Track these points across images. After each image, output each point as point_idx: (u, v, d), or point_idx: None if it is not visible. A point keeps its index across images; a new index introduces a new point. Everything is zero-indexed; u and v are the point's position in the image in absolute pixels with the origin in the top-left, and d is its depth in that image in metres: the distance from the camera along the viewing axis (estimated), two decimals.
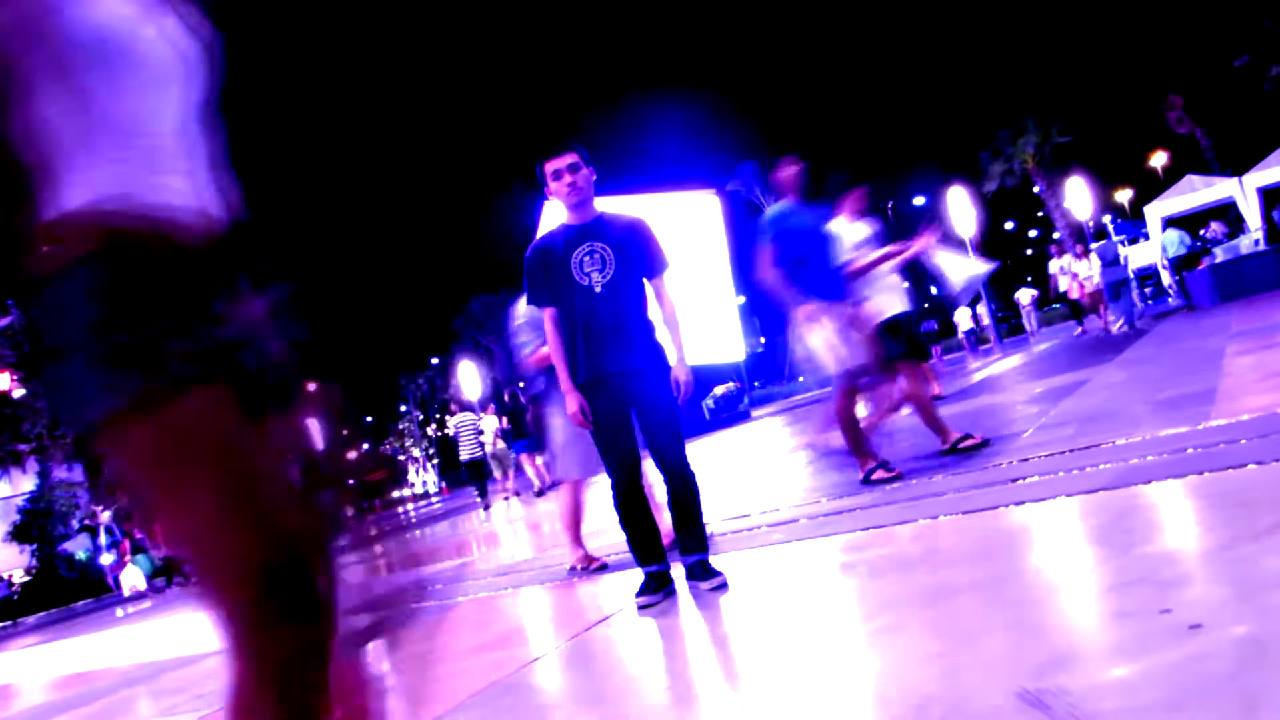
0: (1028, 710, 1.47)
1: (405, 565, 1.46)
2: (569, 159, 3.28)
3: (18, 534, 23.21)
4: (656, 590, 3.21)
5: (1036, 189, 36.28)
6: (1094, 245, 16.40)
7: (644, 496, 3.31)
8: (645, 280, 3.37)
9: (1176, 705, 1.36)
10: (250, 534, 1.13)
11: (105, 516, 21.29)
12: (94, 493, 23.89)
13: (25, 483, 24.50)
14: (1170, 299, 19.90)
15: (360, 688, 1.37)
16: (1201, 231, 17.63)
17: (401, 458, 58.62)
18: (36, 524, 23.14)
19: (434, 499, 42.88)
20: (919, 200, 37.81)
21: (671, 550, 3.50)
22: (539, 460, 14.08)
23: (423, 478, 57.11)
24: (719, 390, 26.62)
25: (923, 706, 1.65)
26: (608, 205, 3.44)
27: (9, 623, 19.38)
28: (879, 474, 4.45)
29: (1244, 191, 17.91)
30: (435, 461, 55.27)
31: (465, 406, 16.60)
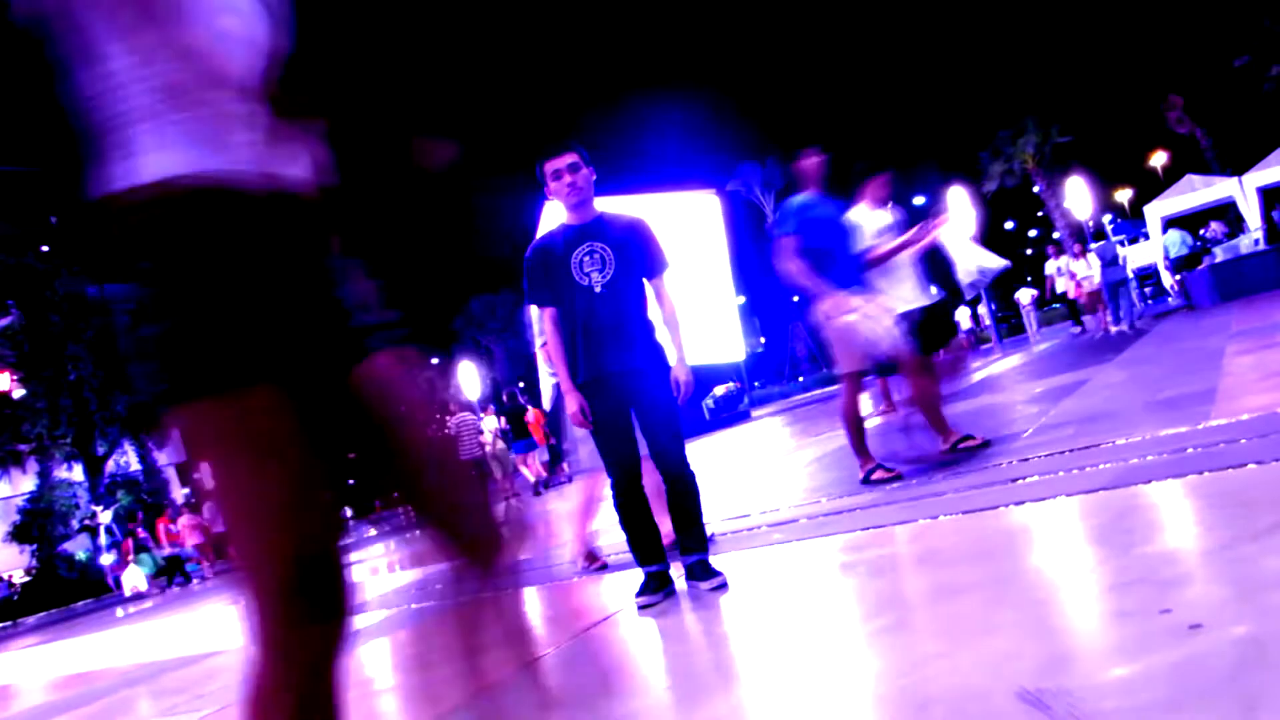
0: (1028, 710, 1.47)
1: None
2: (569, 159, 3.28)
3: (18, 534, 23.22)
4: (656, 590, 3.21)
5: (1036, 189, 36.28)
6: (1093, 246, 16.40)
7: (643, 497, 3.31)
8: (645, 280, 3.37)
9: (1176, 705, 1.36)
10: (286, 535, 1.14)
11: (105, 517, 21.31)
12: (94, 493, 23.91)
13: (25, 483, 24.51)
14: (1170, 299, 19.90)
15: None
16: (1201, 231, 17.63)
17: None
18: (36, 524, 23.15)
19: None
20: (919, 200, 37.78)
21: (671, 550, 3.50)
22: (536, 461, 14.16)
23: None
24: (719, 390, 26.62)
25: (923, 706, 1.65)
26: (608, 205, 3.44)
27: (9, 623, 19.39)
28: (879, 474, 4.45)
29: (1244, 191, 17.91)
30: None
31: (464, 406, 16.64)
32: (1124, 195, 38.02)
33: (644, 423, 3.28)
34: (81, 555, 22.89)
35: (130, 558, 17.63)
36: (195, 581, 16.41)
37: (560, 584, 4.27)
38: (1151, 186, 28.47)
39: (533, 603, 4.08)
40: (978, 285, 5.34)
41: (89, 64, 1.15)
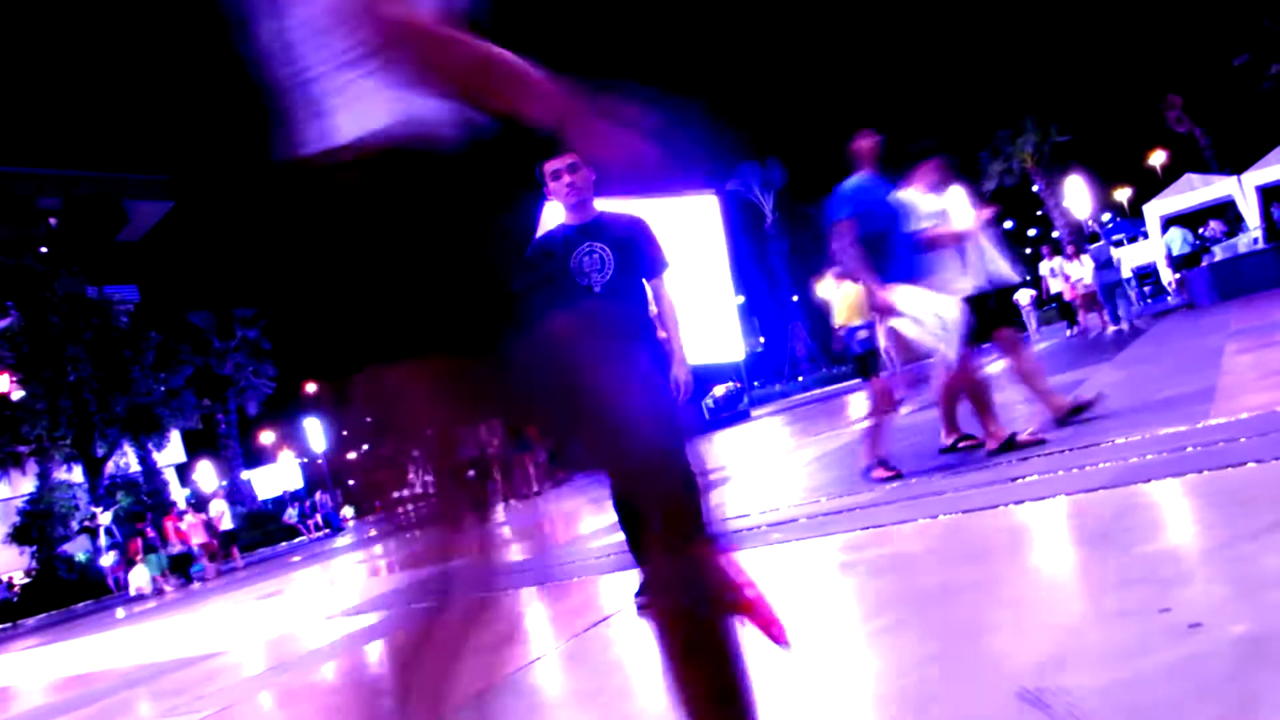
0: (1028, 710, 1.47)
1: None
2: (568, 159, 3.28)
3: (17, 536, 23.20)
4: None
5: (1036, 188, 36.28)
6: (1091, 246, 16.40)
7: None
8: (645, 280, 3.37)
9: (1176, 704, 1.36)
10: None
11: (105, 518, 21.31)
12: (93, 495, 23.91)
13: (25, 484, 24.49)
14: (1170, 298, 19.91)
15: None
16: (1200, 230, 17.65)
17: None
18: (36, 526, 23.13)
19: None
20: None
21: None
22: (531, 462, 14.29)
23: (423, 477, 57.00)
24: (719, 390, 26.61)
25: (923, 706, 1.65)
26: (607, 205, 3.44)
27: (9, 625, 19.38)
28: (879, 472, 4.44)
29: (1243, 190, 17.93)
30: None
31: None
32: (1123, 194, 38.03)
33: None
34: (81, 557, 22.87)
35: (138, 557, 17.60)
36: (196, 583, 16.40)
37: (560, 584, 4.27)
38: (1151, 185, 28.48)
39: (532, 603, 4.08)
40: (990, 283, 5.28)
41: (275, 17, 1.11)
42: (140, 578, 16.95)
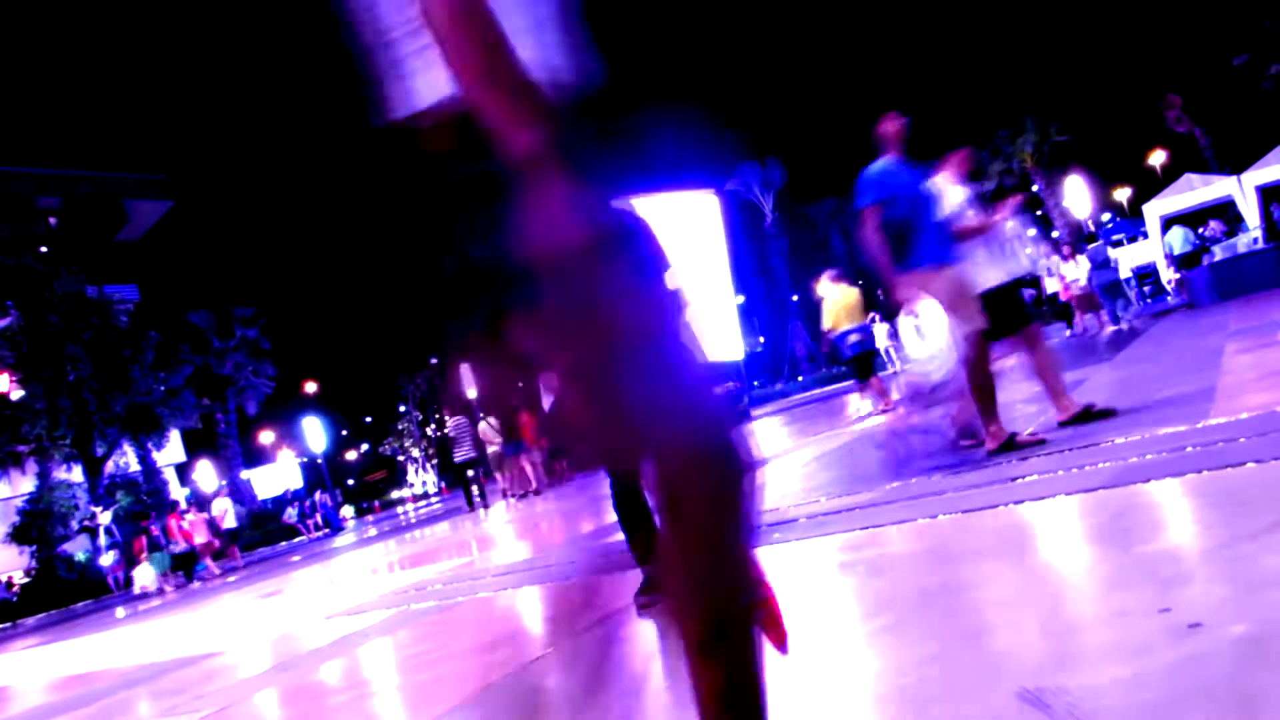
0: (1028, 710, 1.47)
1: None
2: None
3: (17, 535, 23.21)
4: (656, 590, 3.21)
5: (1035, 188, 36.30)
6: (1089, 247, 16.39)
7: (642, 496, 3.31)
8: None
9: (1176, 704, 1.36)
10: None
11: (105, 518, 21.31)
12: (93, 494, 23.91)
13: (25, 484, 24.49)
14: (1169, 298, 19.91)
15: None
16: (1200, 230, 17.66)
17: (401, 458, 58.60)
18: (36, 525, 23.14)
19: (433, 499, 42.88)
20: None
21: None
22: (526, 463, 14.42)
23: (422, 478, 57.11)
24: (718, 390, 26.56)
25: (923, 706, 1.65)
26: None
27: (8, 624, 19.38)
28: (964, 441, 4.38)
29: (1242, 190, 17.93)
30: (434, 461, 55.31)
31: (462, 408, 16.84)
32: (1123, 194, 38.05)
33: None
34: (81, 556, 22.88)
35: (143, 556, 17.61)
36: (196, 582, 16.41)
37: (559, 584, 4.27)
38: (1150, 185, 28.49)
39: (532, 603, 4.08)
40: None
41: None
42: (145, 576, 16.95)
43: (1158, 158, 35.67)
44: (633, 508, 3.29)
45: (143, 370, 24.88)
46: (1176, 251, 16.99)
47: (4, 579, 23.19)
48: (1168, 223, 18.56)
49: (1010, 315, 4.66)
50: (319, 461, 34.79)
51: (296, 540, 28.43)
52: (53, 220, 31.73)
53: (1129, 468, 3.17)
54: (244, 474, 35.63)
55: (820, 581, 2.99)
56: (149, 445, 25.82)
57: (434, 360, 53.84)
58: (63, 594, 21.19)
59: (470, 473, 15.44)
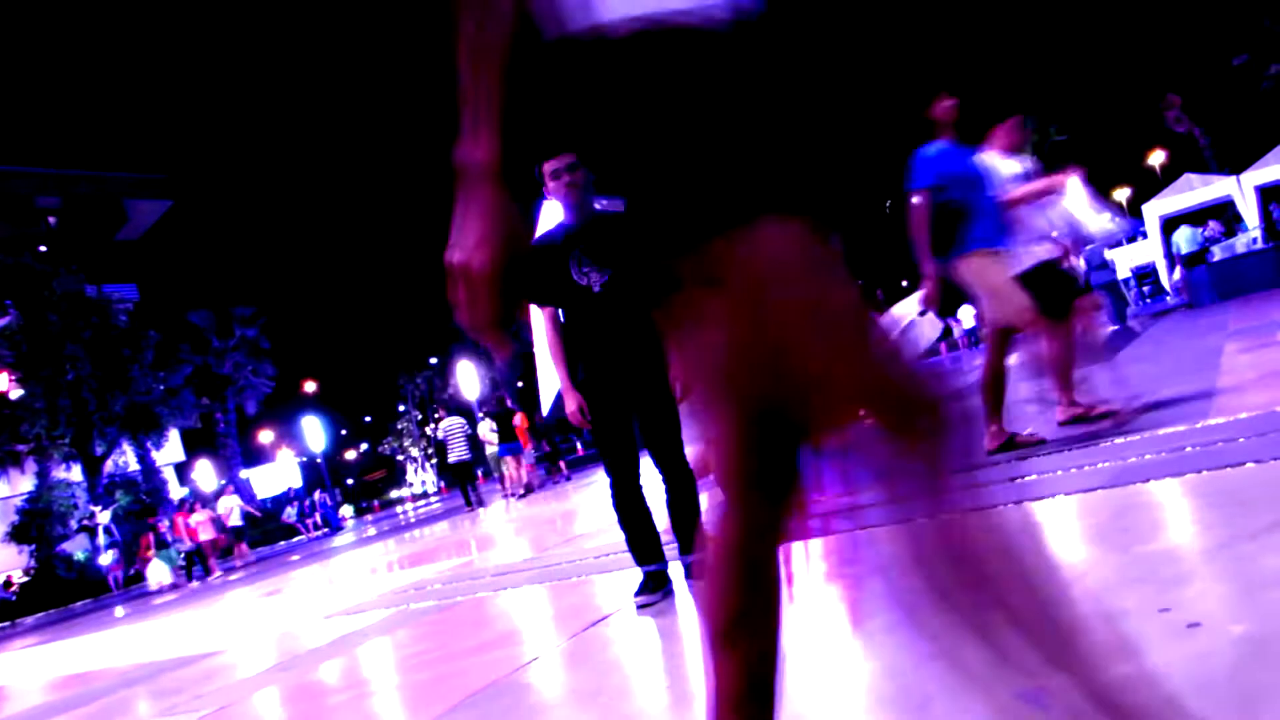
0: (1027, 709, 1.47)
1: None
2: (567, 159, 3.28)
3: (16, 534, 23.20)
4: (655, 589, 3.21)
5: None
6: (1086, 248, 16.37)
7: (642, 496, 3.31)
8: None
9: (1172, 703, 1.36)
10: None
11: (104, 517, 21.30)
12: (92, 493, 23.90)
13: (24, 483, 24.48)
14: (1169, 298, 19.91)
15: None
16: (1200, 230, 17.66)
17: (400, 458, 58.59)
18: (35, 524, 23.13)
19: (432, 498, 42.88)
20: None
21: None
22: (522, 463, 14.62)
23: (421, 477, 57.12)
24: None
25: (923, 706, 1.65)
26: (606, 204, 3.44)
27: (7, 623, 19.37)
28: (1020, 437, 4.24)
29: (1242, 190, 17.92)
30: (434, 461, 55.33)
31: (457, 409, 16.95)
32: (1122, 194, 38.05)
33: (643, 422, 3.28)
34: (80, 555, 22.87)
35: (150, 553, 17.61)
36: (195, 582, 16.41)
37: (559, 584, 4.27)
38: (1149, 185, 28.51)
39: (531, 602, 4.08)
40: (1104, 243, 5.00)
41: None
42: (159, 572, 16.95)
43: (1157, 158, 35.69)
44: (631, 507, 3.29)
45: (142, 370, 24.86)
46: (1184, 251, 16.98)
47: (3, 578, 23.19)
48: (1172, 222, 18.55)
49: (1056, 294, 4.43)
50: (318, 461, 34.77)
51: (295, 540, 28.43)
52: (52, 219, 31.72)
53: (1129, 468, 3.17)
54: (243, 473, 35.62)
55: (821, 581, 2.99)
56: (148, 445, 25.81)
57: (433, 360, 53.88)
58: (62, 593, 21.18)
59: (475, 470, 15.62)
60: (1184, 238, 17.08)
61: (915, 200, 4.19)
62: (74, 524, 23.32)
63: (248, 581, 12.14)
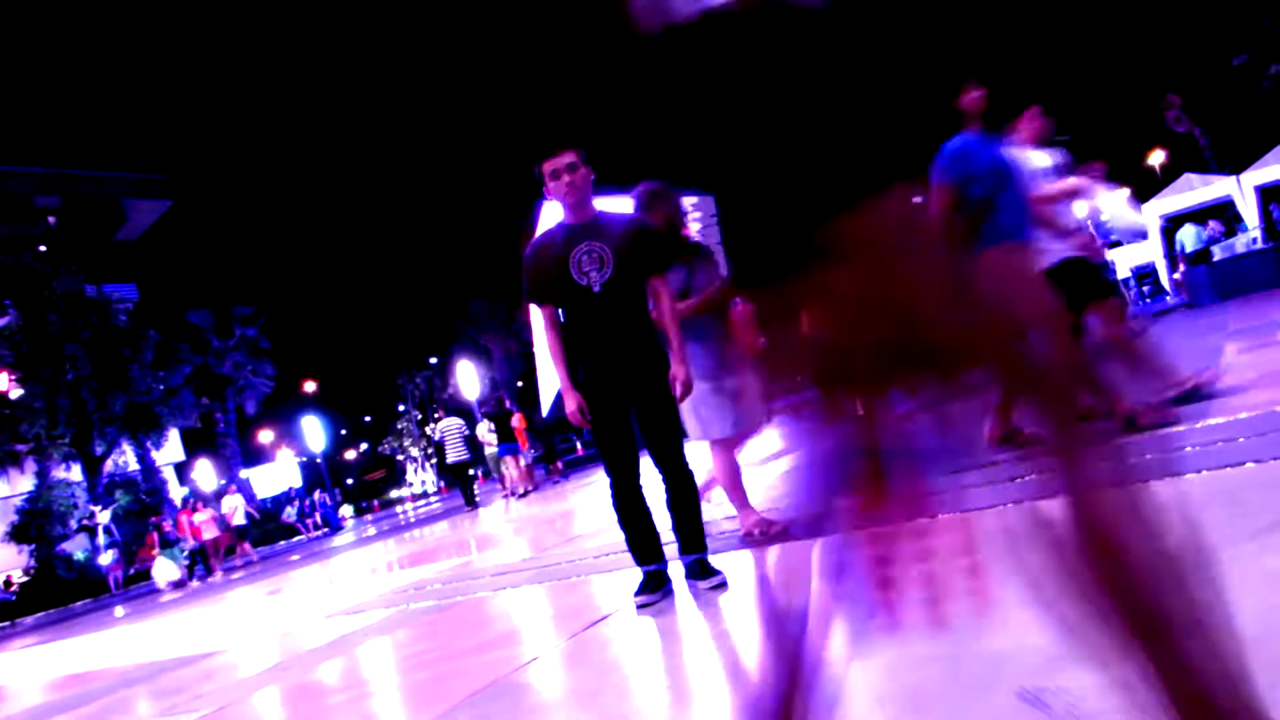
0: (1027, 709, 1.47)
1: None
2: (567, 158, 3.28)
3: (16, 534, 23.19)
4: (655, 589, 3.21)
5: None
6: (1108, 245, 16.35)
7: (642, 496, 3.31)
8: (644, 280, 3.37)
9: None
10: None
11: (104, 517, 21.30)
12: (92, 493, 23.90)
13: (23, 483, 24.48)
14: (1169, 297, 19.90)
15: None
16: (1202, 228, 17.66)
17: (400, 457, 58.58)
18: (35, 524, 23.12)
19: (432, 498, 42.88)
20: (917, 199, 37.73)
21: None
22: (519, 464, 14.72)
23: (421, 477, 57.12)
24: None
25: (922, 706, 1.65)
26: (606, 205, 3.44)
27: (7, 623, 19.37)
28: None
29: (1241, 190, 17.92)
30: (433, 461, 55.34)
31: (456, 410, 17.04)
32: (1122, 194, 38.01)
33: (643, 422, 3.28)
34: (80, 555, 22.86)
35: (155, 551, 17.61)
36: (195, 581, 16.42)
37: (559, 584, 4.27)
38: (1150, 185, 28.45)
39: (531, 602, 4.08)
40: (1131, 237, 4.91)
41: None
42: (166, 569, 16.94)
43: (1157, 157, 35.65)
44: (631, 507, 3.29)
45: (142, 369, 24.85)
46: (1189, 249, 16.97)
47: (3, 578, 23.18)
48: (1175, 221, 18.54)
49: (1085, 288, 4.28)
50: (318, 461, 34.77)
51: (295, 539, 28.43)
52: (51, 219, 31.71)
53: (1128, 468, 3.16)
54: (243, 473, 35.64)
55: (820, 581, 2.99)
56: (148, 444, 25.80)
57: (433, 360, 53.87)
58: (61, 593, 21.17)
59: (471, 471, 15.71)
60: (1189, 235, 17.08)
61: (938, 195, 4.08)
62: (74, 524, 23.32)
63: (248, 581, 12.14)
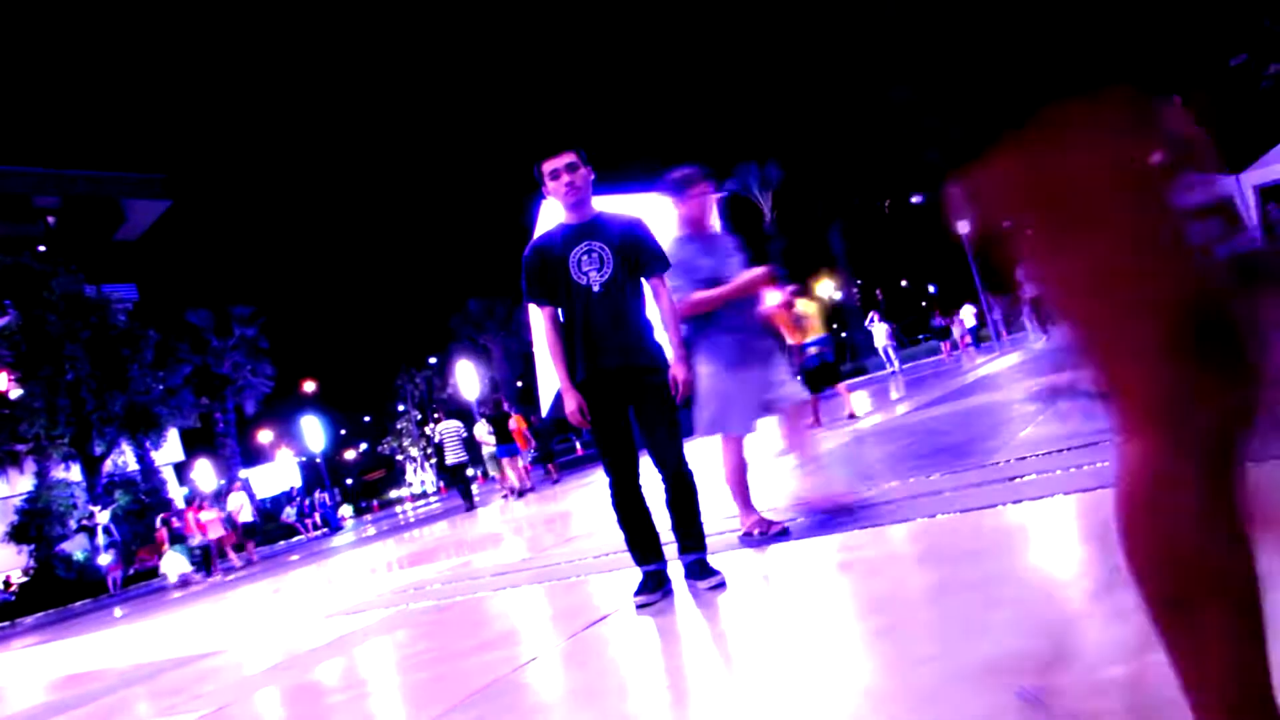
0: (1027, 709, 1.47)
1: None
2: (567, 159, 3.28)
3: (15, 534, 23.18)
4: (654, 589, 3.21)
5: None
6: None
7: (642, 496, 3.31)
8: (643, 280, 3.37)
9: (1176, 703, 1.36)
10: (1168, 282, 0.88)
11: (103, 517, 21.30)
12: (91, 493, 23.90)
13: (23, 483, 24.47)
14: None
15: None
16: None
17: (399, 457, 58.58)
18: (34, 524, 23.11)
19: (431, 498, 42.87)
20: (916, 199, 37.85)
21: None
22: (517, 465, 14.80)
23: (420, 477, 57.12)
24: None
25: (922, 706, 1.65)
26: (606, 205, 3.44)
27: (7, 623, 19.36)
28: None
29: (1241, 189, 17.93)
30: (433, 461, 55.33)
31: (455, 411, 17.12)
32: None
33: (642, 422, 3.28)
34: (79, 555, 22.85)
35: (165, 547, 17.60)
36: (219, 574, 16.42)
37: (558, 584, 4.27)
38: None
39: (531, 602, 4.08)
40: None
41: None
42: (176, 565, 16.91)
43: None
44: (631, 507, 3.29)
45: (141, 369, 24.84)
46: None
47: (2, 578, 23.17)
48: None
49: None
50: (317, 461, 34.76)
51: (295, 539, 28.42)
52: (51, 219, 31.69)
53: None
54: (242, 473, 35.64)
55: (819, 581, 2.99)
56: (147, 444, 25.79)
57: (432, 360, 53.86)
58: (61, 593, 21.16)
59: (470, 472, 15.80)
60: None
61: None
62: (73, 524, 23.31)
63: (247, 581, 12.13)
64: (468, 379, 30.33)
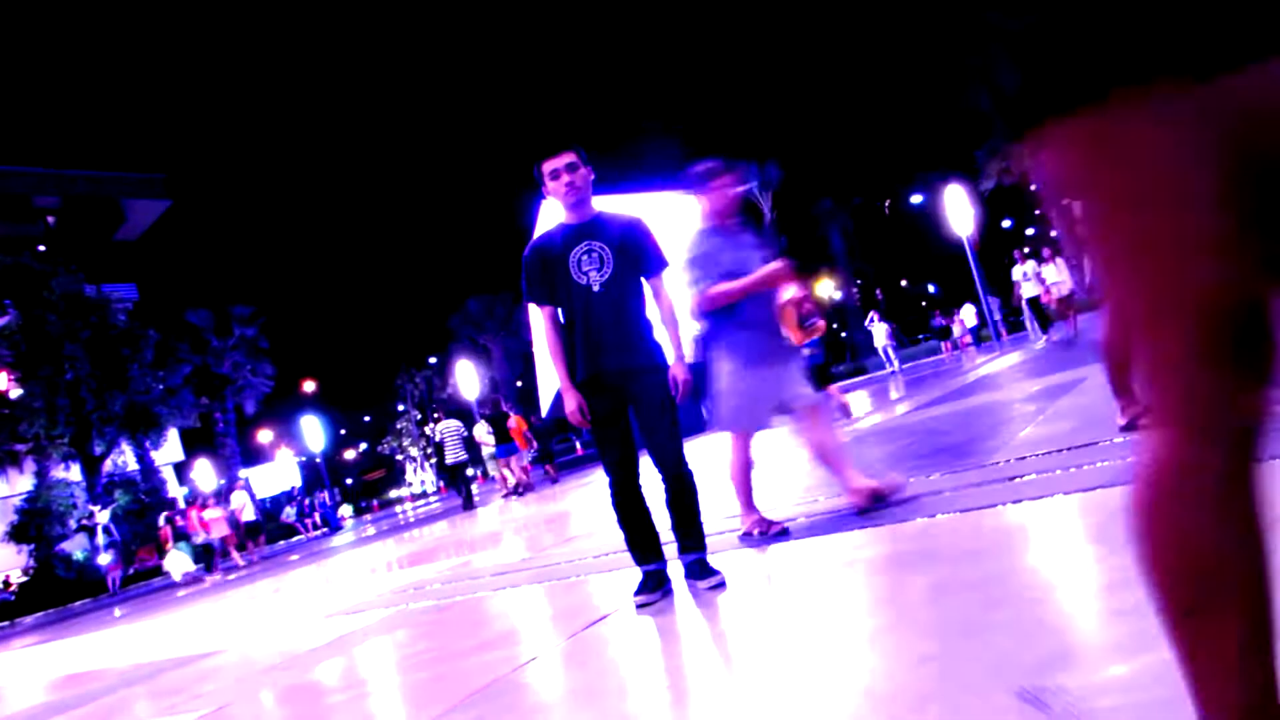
0: (1027, 709, 1.47)
1: None
2: (567, 158, 3.28)
3: (15, 534, 23.18)
4: (654, 589, 3.21)
5: (1034, 187, 36.22)
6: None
7: (642, 496, 3.31)
8: (643, 279, 3.37)
9: (1174, 703, 1.36)
10: (1198, 272, 0.87)
11: (103, 516, 21.30)
12: (91, 493, 23.90)
13: (23, 483, 24.47)
14: None
15: None
16: None
17: (399, 457, 58.59)
18: (34, 524, 23.11)
19: (431, 498, 42.88)
20: (917, 199, 37.86)
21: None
22: (516, 465, 14.86)
23: (420, 477, 57.12)
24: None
25: (921, 705, 1.65)
26: (606, 204, 3.44)
27: (6, 623, 19.36)
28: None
29: None
30: (433, 461, 55.32)
31: (455, 411, 17.15)
32: None
33: (642, 422, 3.28)
34: (79, 555, 22.85)
35: (169, 545, 17.61)
36: (218, 574, 16.43)
37: (558, 584, 4.27)
38: None
39: (531, 602, 4.08)
40: None
41: None
42: (180, 563, 16.91)
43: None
44: (631, 507, 3.29)
45: (141, 369, 24.84)
46: None
47: (2, 578, 23.16)
48: None
49: None
50: (317, 460, 34.76)
51: (295, 539, 28.42)
52: (51, 219, 31.69)
53: (1129, 467, 3.16)
54: (242, 473, 35.64)
55: (820, 581, 2.99)
56: (147, 444, 25.79)
57: (432, 360, 53.86)
58: (61, 593, 21.16)
59: (470, 472, 15.85)
60: None
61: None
62: (73, 524, 23.30)
63: (247, 581, 12.14)
64: (467, 379, 30.31)
